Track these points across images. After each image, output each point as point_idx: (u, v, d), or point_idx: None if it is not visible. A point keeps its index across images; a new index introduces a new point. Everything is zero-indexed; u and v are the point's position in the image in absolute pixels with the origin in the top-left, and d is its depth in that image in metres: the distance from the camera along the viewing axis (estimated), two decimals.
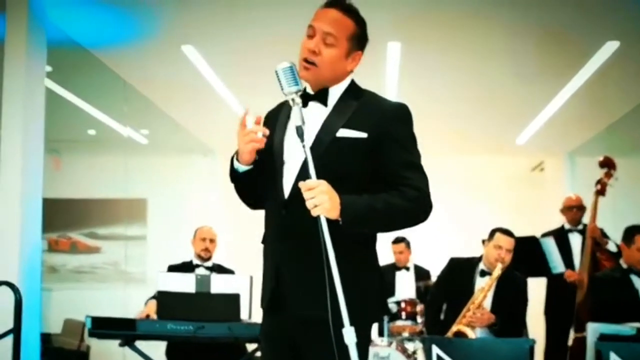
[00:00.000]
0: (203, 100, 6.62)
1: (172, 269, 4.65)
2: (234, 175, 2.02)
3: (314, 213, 1.74)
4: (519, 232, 4.26)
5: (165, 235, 7.67)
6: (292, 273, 1.91)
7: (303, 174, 1.85)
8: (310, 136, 1.88)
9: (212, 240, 4.72)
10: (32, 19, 4.19)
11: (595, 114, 7.06)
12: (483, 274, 4.09)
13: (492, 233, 4.11)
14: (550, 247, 4.96)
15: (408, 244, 6.47)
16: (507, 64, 5.74)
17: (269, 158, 1.98)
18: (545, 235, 5.33)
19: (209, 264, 4.73)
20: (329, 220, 1.75)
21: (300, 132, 1.80)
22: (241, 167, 1.98)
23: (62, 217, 7.81)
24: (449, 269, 4.34)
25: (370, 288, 1.96)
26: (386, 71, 5.77)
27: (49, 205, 7.76)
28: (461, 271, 4.20)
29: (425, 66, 5.78)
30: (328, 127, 1.92)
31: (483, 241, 4.31)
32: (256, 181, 2.02)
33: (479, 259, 4.16)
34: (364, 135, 1.90)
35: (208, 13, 4.68)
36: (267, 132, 1.94)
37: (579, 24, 4.88)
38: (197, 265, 4.70)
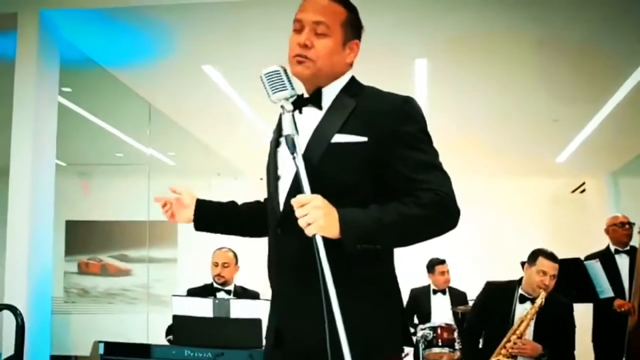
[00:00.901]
0: (230, 122, 6.44)
1: (192, 292, 4.43)
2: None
3: (307, 232, 1.47)
4: (559, 257, 3.87)
5: (196, 257, 7.44)
6: (292, 301, 1.64)
7: (295, 189, 1.59)
8: (302, 145, 1.61)
9: (225, 265, 4.43)
10: (44, 38, 4.04)
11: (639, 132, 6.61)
12: (523, 299, 3.75)
13: (535, 256, 3.74)
14: (597, 270, 4.52)
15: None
16: (543, 80, 5.39)
17: (266, 174, 1.77)
18: (589, 257, 4.89)
19: (229, 287, 4.47)
20: (332, 241, 1.47)
21: (289, 142, 1.54)
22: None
23: (92, 240, 7.76)
24: (486, 293, 3.99)
25: (386, 316, 1.63)
26: (415, 89, 5.48)
27: (79, 228, 7.83)
28: (499, 296, 3.85)
29: (455, 84, 5.48)
30: (321, 133, 1.64)
31: (522, 264, 3.91)
32: (229, 223, 1.95)
33: (518, 283, 3.82)
34: (363, 139, 1.60)
35: (225, 32, 4.48)
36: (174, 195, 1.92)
37: (620, 38, 4.56)
38: (218, 289, 4.45)
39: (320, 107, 1.68)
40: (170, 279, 7.69)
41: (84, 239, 7.80)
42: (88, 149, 6.87)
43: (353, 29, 1.71)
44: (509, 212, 8.40)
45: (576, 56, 4.86)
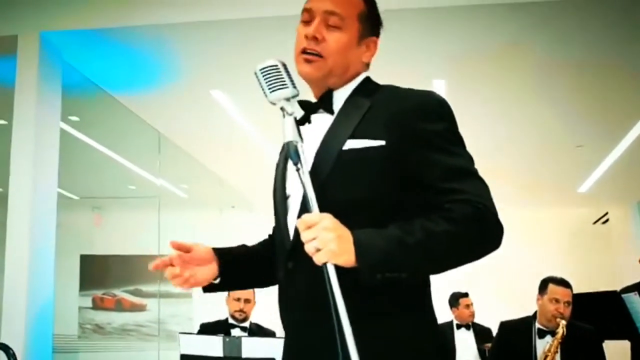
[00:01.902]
0: (243, 152, 6.17)
1: (205, 328, 4.17)
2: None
3: (316, 260, 1.17)
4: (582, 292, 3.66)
5: (212, 294, 7.16)
6: (307, 346, 1.33)
7: (304, 208, 1.30)
8: (310, 157, 1.34)
9: (247, 300, 4.13)
10: (45, 61, 3.80)
11: None
12: (542, 333, 3.44)
13: (545, 284, 3.47)
14: (636, 304, 4.09)
15: None
16: (566, 103, 5.04)
17: (273, 197, 1.48)
18: (625, 290, 4.46)
19: (245, 324, 4.15)
20: (350, 270, 1.18)
21: (292, 150, 1.25)
22: (215, 282, 1.52)
23: (107, 274, 7.52)
24: (502, 334, 3.69)
25: None
26: None
27: (94, 262, 7.55)
28: (516, 335, 3.54)
29: (472, 106, 5.11)
30: (331, 140, 1.35)
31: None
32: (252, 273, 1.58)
33: (534, 317, 3.53)
34: (380, 142, 1.30)
35: (232, 53, 4.21)
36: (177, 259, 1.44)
37: None
38: (233, 326, 4.13)
39: (332, 112, 1.40)
40: (186, 315, 7.39)
41: (98, 273, 7.55)
42: (100, 181, 6.62)
43: (371, 24, 1.44)
44: (527, 244, 7.95)
45: (601, 78, 4.55)
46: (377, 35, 1.45)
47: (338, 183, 1.29)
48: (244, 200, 7.89)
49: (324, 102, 1.40)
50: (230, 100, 4.94)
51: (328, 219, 1.18)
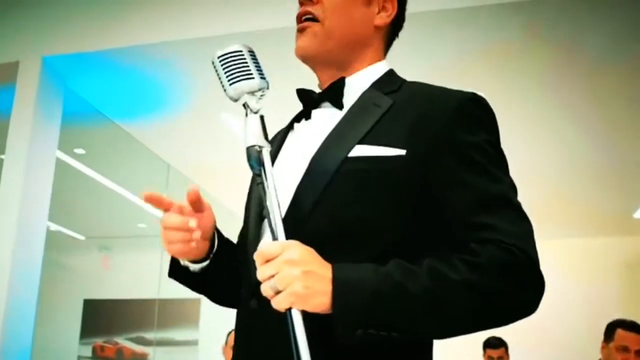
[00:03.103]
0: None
1: None
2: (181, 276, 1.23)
3: (275, 305, 0.92)
4: None
5: (219, 340, 6.97)
6: None
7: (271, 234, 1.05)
8: (302, 165, 1.10)
9: None
10: (45, 88, 3.66)
11: None
12: None
13: (611, 330, 3.16)
14: None
15: (507, 348, 5.21)
16: (619, 111, 4.57)
17: (244, 217, 1.23)
18: None
19: None
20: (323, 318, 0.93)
21: (253, 156, 1.03)
22: (192, 266, 1.19)
23: (111, 320, 7.39)
24: None
25: None
26: None
27: (99, 308, 7.35)
28: None
29: (511, 121, 4.69)
30: (335, 143, 1.09)
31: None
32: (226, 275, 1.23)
33: None
34: (400, 152, 1.05)
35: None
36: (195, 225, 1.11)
37: None
38: None
39: (340, 106, 1.15)
40: None
41: (102, 319, 7.42)
42: (107, 219, 6.48)
43: None
44: (576, 278, 7.52)
45: None
46: None
47: (335, 200, 1.03)
48: None
49: (333, 93, 1.15)
50: (241, 122, 4.77)
51: (294, 248, 0.93)
